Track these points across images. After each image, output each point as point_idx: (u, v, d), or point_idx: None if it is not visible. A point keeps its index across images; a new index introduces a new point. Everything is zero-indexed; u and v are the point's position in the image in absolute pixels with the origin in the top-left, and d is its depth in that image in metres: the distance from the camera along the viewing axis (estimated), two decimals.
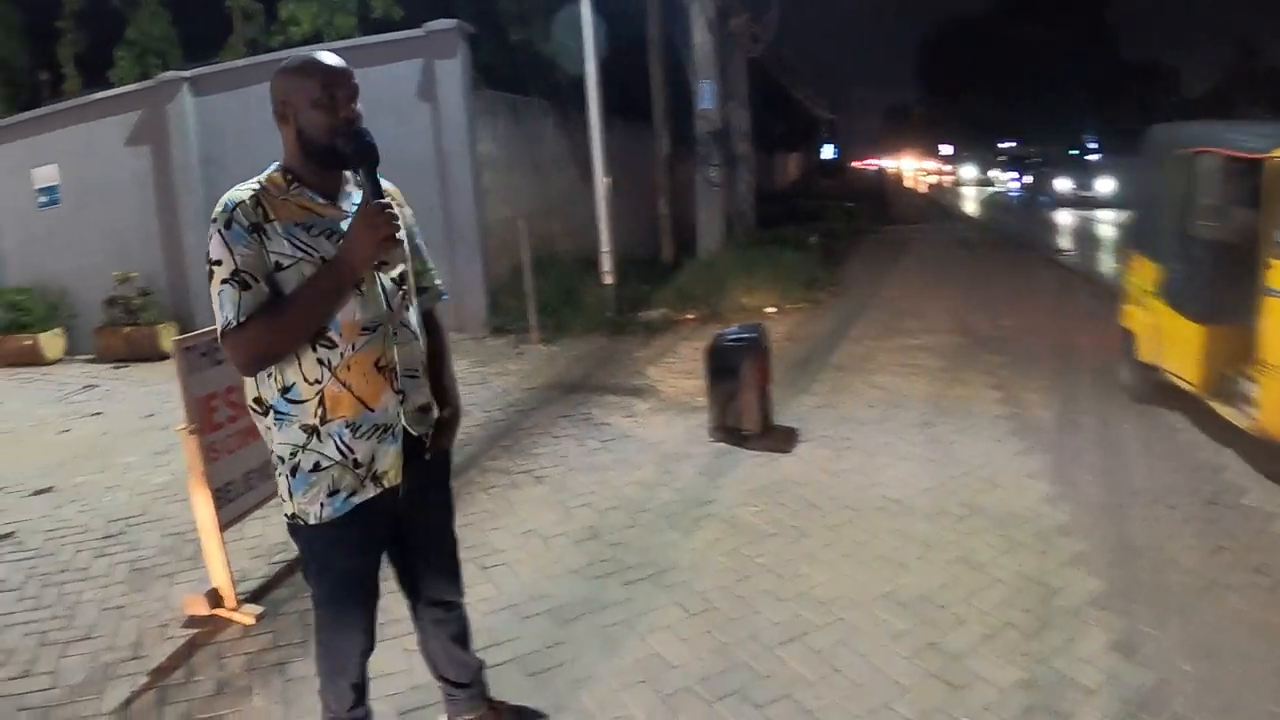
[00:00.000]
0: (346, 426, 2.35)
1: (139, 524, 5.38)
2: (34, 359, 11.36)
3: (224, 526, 4.03)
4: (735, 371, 5.85)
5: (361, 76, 2.38)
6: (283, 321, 2.22)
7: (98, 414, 8.38)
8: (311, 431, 2.35)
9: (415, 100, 10.34)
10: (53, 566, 4.87)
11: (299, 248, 2.26)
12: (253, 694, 3.44)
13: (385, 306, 2.39)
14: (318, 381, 2.32)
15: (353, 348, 2.33)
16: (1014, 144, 46.07)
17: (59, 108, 12.36)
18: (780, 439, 5.85)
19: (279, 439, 2.39)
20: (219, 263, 2.20)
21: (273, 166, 2.37)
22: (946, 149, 65.40)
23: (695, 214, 13.40)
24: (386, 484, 2.44)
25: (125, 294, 10.92)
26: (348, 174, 2.42)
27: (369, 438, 2.38)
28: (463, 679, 2.89)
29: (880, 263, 14.66)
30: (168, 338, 10.67)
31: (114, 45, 13.97)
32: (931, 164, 61.34)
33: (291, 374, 2.32)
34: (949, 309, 9.88)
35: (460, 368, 8.59)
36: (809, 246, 14.13)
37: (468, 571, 4.29)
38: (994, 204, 29.37)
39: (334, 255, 2.26)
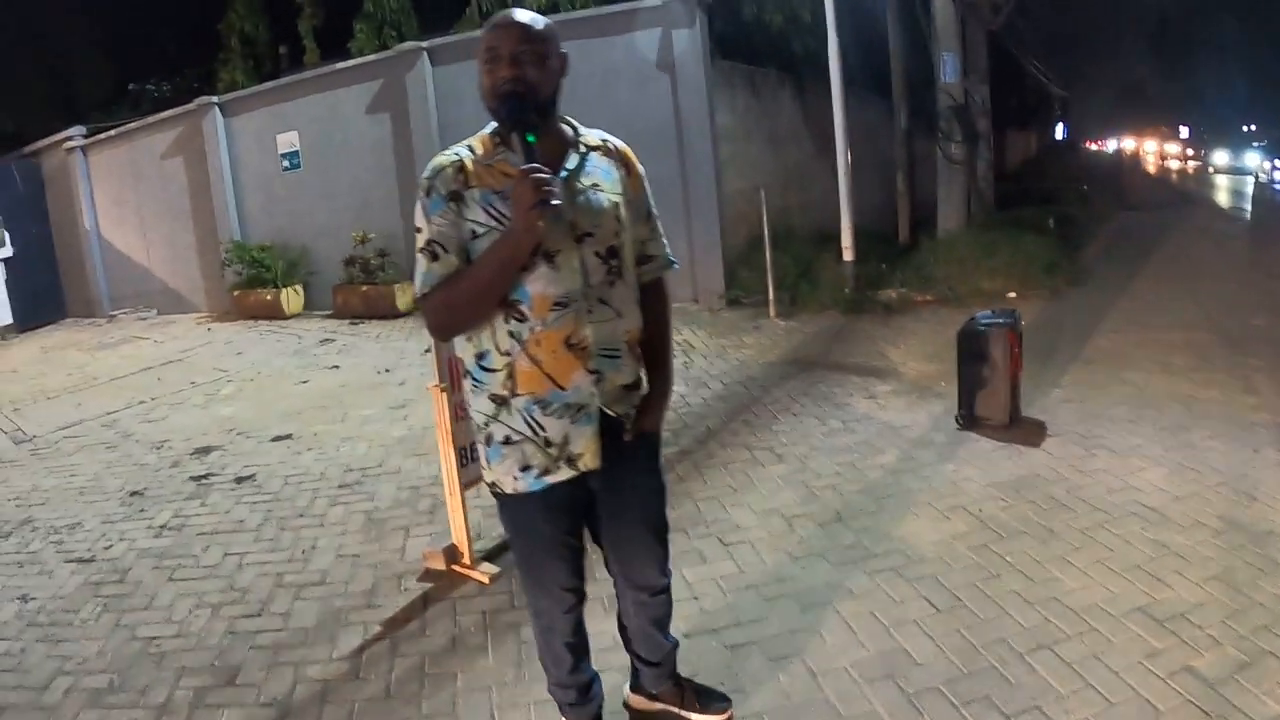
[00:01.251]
0: (535, 403, 2.26)
1: (375, 475, 5.42)
2: (274, 313, 11.97)
3: (465, 486, 4.03)
4: (987, 357, 5.47)
5: (600, 45, 2.09)
6: (461, 294, 2.18)
7: (335, 367, 8.65)
8: (501, 403, 2.28)
9: (654, 69, 10.18)
10: (290, 511, 4.98)
11: (493, 216, 2.18)
12: (486, 652, 3.38)
13: (582, 282, 2.23)
14: (508, 353, 2.24)
15: (543, 323, 2.21)
16: (1255, 128, 42.31)
17: (301, 77, 12.96)
18: (1028, 432, 5.43)
19: (474, 405, 2.37)
20: (419, 230, 2.22)
21: (489, 126, 2.29)
22: (1184, 131, 60.72)
23: (932, 192, 12.78)
24: (583, 466, 2.31)
25: (363, 254, 11.32)
26: (567, 137, 2.31)
27: (561, 417, 2.27)
28: (653, 658, 2.79)
29: (1121, 251, 13.61)
30: (403, 297, 10.97)
31: (351, 18, 14.58)
32: (1173, 147, 56.71)
33: (486, 341, 2.27)
34: (1196, 304, 9.01)
35: (698, 338, 8.48)
36: (1048, 230, 13.20)
37: (709, 546, 4.11)
38: (1251, 196, 26.63)
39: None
